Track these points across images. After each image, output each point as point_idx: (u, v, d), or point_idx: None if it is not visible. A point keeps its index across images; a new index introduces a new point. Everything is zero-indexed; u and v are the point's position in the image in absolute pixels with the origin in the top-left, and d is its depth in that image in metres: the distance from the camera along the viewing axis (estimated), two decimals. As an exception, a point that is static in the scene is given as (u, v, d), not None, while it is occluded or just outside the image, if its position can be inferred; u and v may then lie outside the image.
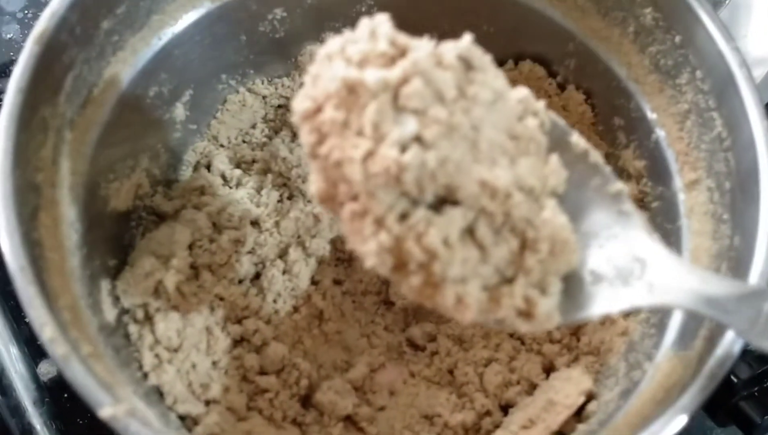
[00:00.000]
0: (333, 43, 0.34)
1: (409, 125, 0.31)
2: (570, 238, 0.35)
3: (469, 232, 0.33)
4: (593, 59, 0.51)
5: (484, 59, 0.34)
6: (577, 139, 0.37)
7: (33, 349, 0.60)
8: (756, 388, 0.55)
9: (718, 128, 0.43)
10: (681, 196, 0.46)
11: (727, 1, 0.63)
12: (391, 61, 0.32)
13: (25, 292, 0.34)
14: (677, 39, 0.45)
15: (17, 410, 0.57)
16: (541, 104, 0.36)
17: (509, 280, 0.34)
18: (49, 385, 0.59)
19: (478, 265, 0.33)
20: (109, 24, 0.44)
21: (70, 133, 0.43)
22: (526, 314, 0.34)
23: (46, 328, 0.34)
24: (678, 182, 0.46)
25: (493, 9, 0.53)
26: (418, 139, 0.31)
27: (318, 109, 0.33)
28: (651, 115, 0.48)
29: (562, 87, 0.54)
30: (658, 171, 0.48)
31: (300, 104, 0.33)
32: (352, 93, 0.31)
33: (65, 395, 0.59)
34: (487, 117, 0.33)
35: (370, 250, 0.32)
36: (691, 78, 0.45)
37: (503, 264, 0.33)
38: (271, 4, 0.53)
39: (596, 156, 0.37)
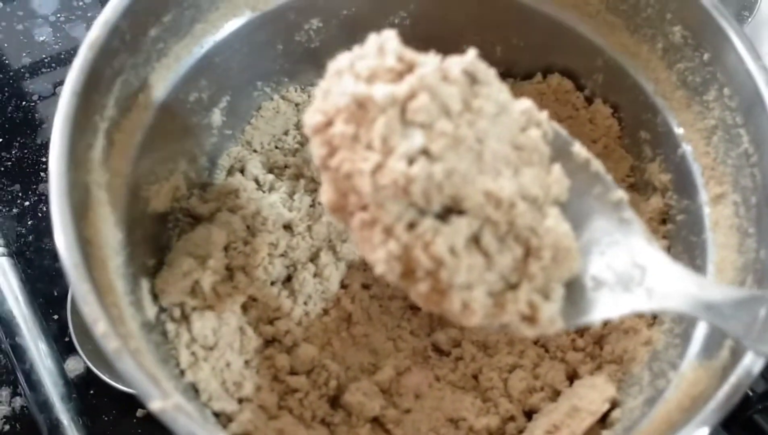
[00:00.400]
0: (342, 58, 0.35)
1: (417, 139, 0.32)
2: (572, 246, 0.36)
3: (475, 240, 0.34)
4: (621, 74, 0.52)
5: (488, 73, 0.35)
6: (579, 149, 0.38)
7: (61, 346, 0.61)
8: (771, 402, 0.56)
9: (744, 144, 0.44)
10: (706, 210, 0.47)
11: (749, 19, 0.65)
12: (398, 76, 0.34)
13: (80, 289, 0.36)
14: (705, 56, 0.47)
15: (45, 405, 0.59)
16: (543, 115, 0.37)
17: (513, 286, 0.35)
18: (76, 381, 0.61)
19: (483, 272, 0.34)
20: (156, 32, 0.46)
21: (117, 136, 0.44)
22: (530, 319, 0.35)
23: (99, 324, 0.35)
24: (704, 196, 0.47)
25: (523, 23, 0.55)
26: (425, 152, 0.32)
27: (329, 123, 0.34)
28: (677, 130, 0.49)
29: (589, 100, 0.56)
30: (683, 185, 0.49)
31: (311, 118, 0.35)
32: (361, 108, 0.33)
33: (92, 392, 0.61)
34: (492, 129, 0.35)
35: (380, 257, 0.34)
36: (718, 95, 0.46)
37: (507, 271, 0.35)
38: (309, 14, 0.54)
39: (597, 165, 0.38)
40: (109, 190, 0.43)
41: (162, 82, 0.48)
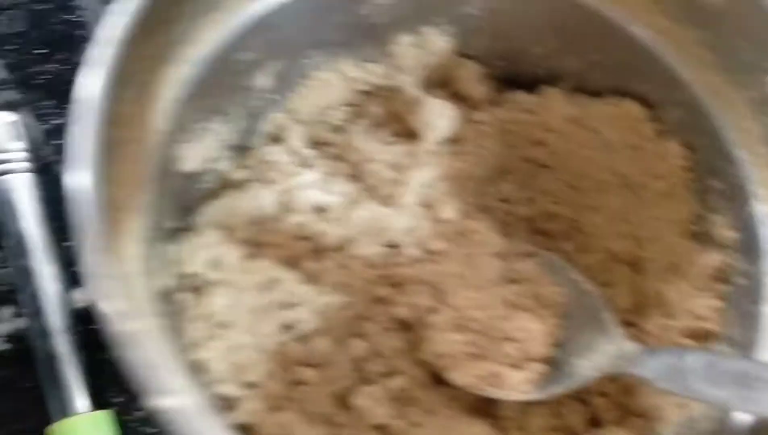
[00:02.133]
0: None
1: None
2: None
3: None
4: (702, 114, 0.48)
5: None
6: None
7: (70, 275, 0.59)
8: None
9: (826, 218, 0.41)
10: (766, 280, 0.44)
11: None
12: None
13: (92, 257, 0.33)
14: (800, 115, 0.43)
15: (44, 333, 0.56)
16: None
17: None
18: (80, 312, 0.58)
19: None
20: (209, -18, 0.43)
21: (159, 90, 0.42)
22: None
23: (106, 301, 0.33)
24: (767, 264, 0.44)
25: (603, 38, 0.51)
26: None
27: None
28: (752, 188, 0.46)
29: (661, 134, 0.52)
30: (748, 246, 0.46)
31: None
32: None
33: (92, 327, 0.59)
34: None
35: None
36: (805, 160, 0.43)
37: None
38: (381, -13, 0.50)
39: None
40: (144, 145, 0.41)
41: (210, 36, 0.45)
